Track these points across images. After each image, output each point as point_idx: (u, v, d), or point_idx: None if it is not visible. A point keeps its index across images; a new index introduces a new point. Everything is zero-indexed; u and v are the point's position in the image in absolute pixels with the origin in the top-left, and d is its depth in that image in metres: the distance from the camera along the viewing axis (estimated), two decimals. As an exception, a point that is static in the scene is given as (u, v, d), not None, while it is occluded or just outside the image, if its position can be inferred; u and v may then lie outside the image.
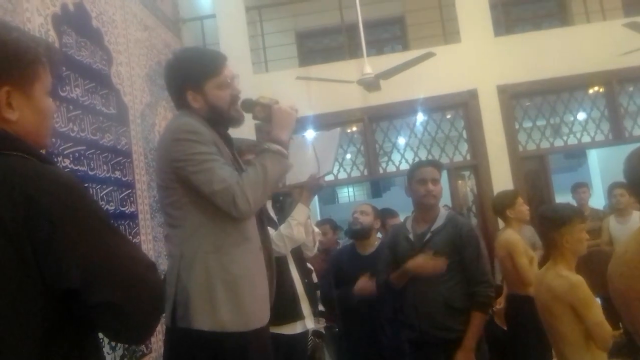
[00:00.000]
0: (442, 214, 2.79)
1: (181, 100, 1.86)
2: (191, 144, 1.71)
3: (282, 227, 2.54)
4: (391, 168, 6.29)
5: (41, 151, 1.10)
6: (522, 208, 3.80)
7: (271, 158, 1.76)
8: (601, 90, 6.13)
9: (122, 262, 1.02)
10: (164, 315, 1.64)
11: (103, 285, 0.99)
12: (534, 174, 6.10)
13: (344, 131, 6.19)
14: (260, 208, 2.03)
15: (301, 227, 2.54)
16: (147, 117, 4.01)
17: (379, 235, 4.39)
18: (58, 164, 2.69)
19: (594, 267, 4.88)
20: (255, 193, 1.70)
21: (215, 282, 1.71)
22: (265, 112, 1.86)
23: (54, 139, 2.70)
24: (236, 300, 1.73)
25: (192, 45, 5.57)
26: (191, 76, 1.83)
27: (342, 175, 6.38)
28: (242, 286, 1.75)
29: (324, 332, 3.50)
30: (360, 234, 3.41)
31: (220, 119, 1.85)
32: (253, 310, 1.78)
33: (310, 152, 2.38)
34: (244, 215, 1.73)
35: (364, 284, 3.11)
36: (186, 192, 1.74)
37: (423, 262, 2.60)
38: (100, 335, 1.13)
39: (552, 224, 2.36)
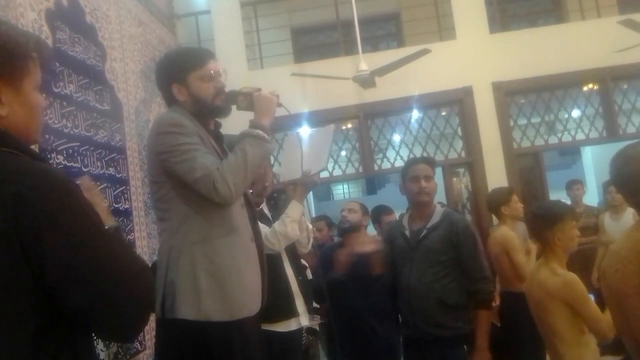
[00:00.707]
0: (438, 210, 2.78)
1: (168, 96, 1.92)
2: (174, 135, 1.75)
3: (276, 224, 2.53)
4: (386, 165, 6.29)
5: (32, 147, 1.09)
6: (517, 205, 3.81)
7: (250, 142, 1.79)
8: (595, 87, 6.14)
9: (105, 265, 1.01)
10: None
11: (79, 289, 0.98)
12: (528, 171, 6.12)
13: (338, 128, 6.19)
14: (253, 205, 2.04)
15: (295, 224, 2.53)
16: (141, 113, 3.99)
17: (375, 232, 4.40)
18: (51, 160, 2.67)
19: (587, 263, 4.93)
20: (235, 177, 1.72)
21: (200, 273, 1.74)
22: (248, 101, 1.89)
23: (47, 135, 2.68)
24: (221, 290, 1.75)
25: (184, 42, 5.57)
26: (176, 69, 1.89)
27: (337, 172, 6.38)
28: (227, 276, 1.77)
29: (317, 329, 3.50)
30: (349, 232, 3.42)
31: (204, 110, 1.89)
32: (240, 300, 1.79)
33: (304, 149, 2.38)
34: (225, 200, 1.74)
35: (341, 259, 3.24)
36: (173, 185, 1.78)
37: None
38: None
39: (544, 221, 2.37)
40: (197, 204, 1.77)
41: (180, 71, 1.88)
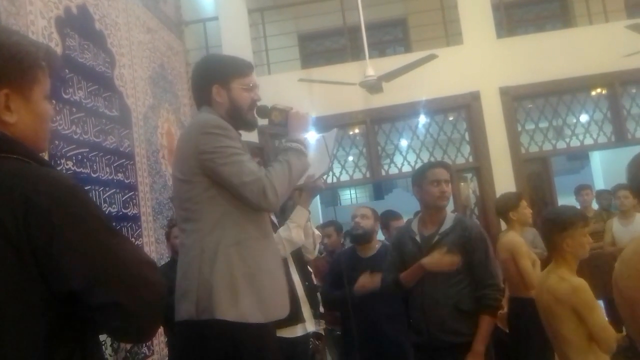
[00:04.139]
0: (450, 216, 2.77)
1: (204, 95, 1.93)
2: (220, 137, 1.78)
3: (281, 230, 2.53)
4: (393, 170, 6.29)
5: (40, 154, 1.10)
6: (526, 211, 3.79)
7: (294, 154, 1.86)
8: (604, 92, 6.12)
9: (123, 262, 1.03)
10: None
11: (106, 286, 0.99)
12: (536, 176, 6.10)
13: (346, 133, 6.20)
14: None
15: (300, 230, 2.52)
16: (149, 119, 4.02)
17: (383, 237, 4.39)
18: (61, 166, 2.69)
19: (596, 269, 4.89)
20: (282, 186, 1.78)
21: (237, 275, 1.76)
22: (282, 116, 1.98)
23: (57, 141, 2.71)
24: (256, 292, 1.78)
25: (192, 49, 5.59)
26: (221, 71, 1.93)
27: (344, 177, 6.39)
28: (261, 279, 1.80)
29: (323, 334, 3.49)
30: (362, 239, 3.42)
31: (237, 118, 1.92)
32: (273, 303, 1.83)
33: (311, 153, 2.38)
34: (271, 207, 1.80)
35: (365, 280, 3.12)
36: (208, 187, 1.78)
37: (438, 258, 2.59)
38: (102, 336, 1.13)
39: (554, 227, 2.36)
40: (230, 207, 1.79)
41: (225, 73, 1.91)
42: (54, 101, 2.71)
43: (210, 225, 1.78)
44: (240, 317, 1.73)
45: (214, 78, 1.91)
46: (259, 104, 1.98)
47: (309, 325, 2.73)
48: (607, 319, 2.37)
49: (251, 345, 1.75)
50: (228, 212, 1.78)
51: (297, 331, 2.67)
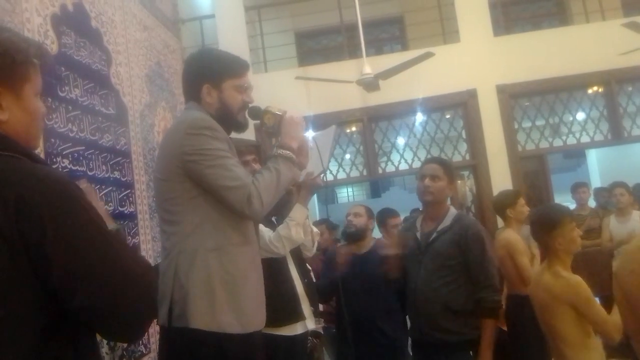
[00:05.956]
0: (451, 213, 2.72)
1: (194, 92, 1.86)
2: (207, 139, 1.69)
3: (280, 228, 2.52)
4: (390, 168, 6.29)
5: (33, 151, 1.10)
6: (523, 208, 3.80)
7: (285, 163, 1.77)
8: (600, 90, 6.14)
9: (108, 265, 1.02)
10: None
11: (92, 285, 0.99)
12: (533, 173, 6.11)
13: (343, 131, 6.20)
14: None
15: (299, 228, 2.52)
16: (146, 117, 4.01)
17: (380, 235, 4.40)
18: (57, 164, 2.68)
19: (592, 266, 4.91)
20: (268, 196, 1.70)
21: (215, 282, 1.68)
22: (275, 121, 1.89)
23: (53, 139, 2.70)
24: (235, 301, 1.70)
25: (189, 47, 5.58)
26: (213, 70, 1.85)
27: (342, 175, 6.39)
28: (240, 287, 1.72)
29: (322, 332, 3.49)
30: (355, 237, 3.43)
31: (227, 120, 1.85)
32: (251, 312, 1.75)
33: (313, 151, 2.37)
34: (255, 216, 1.72)
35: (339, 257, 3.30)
36: (190, 188, 1.71)
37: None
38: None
39: (542, 227, 2.36)
40: (212, 211, 1.71)
41: (218, 74, 1.84)
42: (49, 99, 2.69)
43: (190, 227, 1.70)
44: (218, 327, 1.66)
45: (206, 77, 1.83)
46: (251, 105, 1.90)
47: (309, 323, 2.74)
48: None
49: (234, 356, 1.68)
50: (209, 216, 1.71)
51: (297, 329, 2.67)
